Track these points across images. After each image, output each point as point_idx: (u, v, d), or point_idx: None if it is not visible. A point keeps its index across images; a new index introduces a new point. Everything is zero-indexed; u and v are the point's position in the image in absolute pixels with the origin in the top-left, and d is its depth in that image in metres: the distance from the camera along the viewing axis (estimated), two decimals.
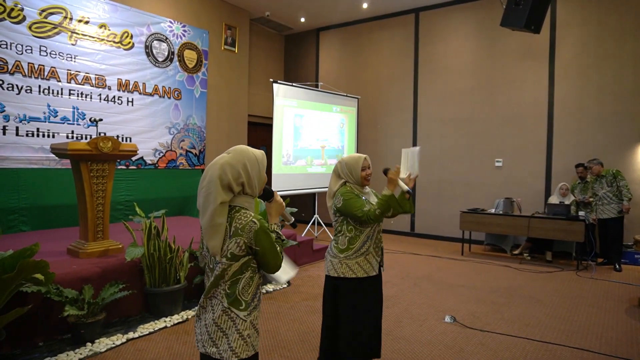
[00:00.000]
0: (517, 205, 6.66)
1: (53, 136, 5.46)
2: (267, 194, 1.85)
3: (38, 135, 5.34)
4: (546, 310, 4.27)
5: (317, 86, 8.94)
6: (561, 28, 6.90)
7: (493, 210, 6.80)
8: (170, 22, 6.84)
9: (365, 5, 8.12)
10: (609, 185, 6.03)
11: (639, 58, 6.29)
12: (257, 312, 1.74)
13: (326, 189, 8.58)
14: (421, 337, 3.56)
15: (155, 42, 6.61)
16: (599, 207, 6.12)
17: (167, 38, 6.78)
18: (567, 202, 6.37)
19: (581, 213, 6.26)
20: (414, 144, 8.33)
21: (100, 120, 4.43)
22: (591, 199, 6.22)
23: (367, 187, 2.81)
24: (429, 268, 5.92)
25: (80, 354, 3.12)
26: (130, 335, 3.45)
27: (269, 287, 4.82)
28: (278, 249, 1.73)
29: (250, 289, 1.71)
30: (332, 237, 2.83)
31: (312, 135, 7.93)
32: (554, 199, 6.61)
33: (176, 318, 3.83)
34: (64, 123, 5.56)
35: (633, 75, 6.34)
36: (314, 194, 8.46)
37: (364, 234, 2.68)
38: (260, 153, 1.79)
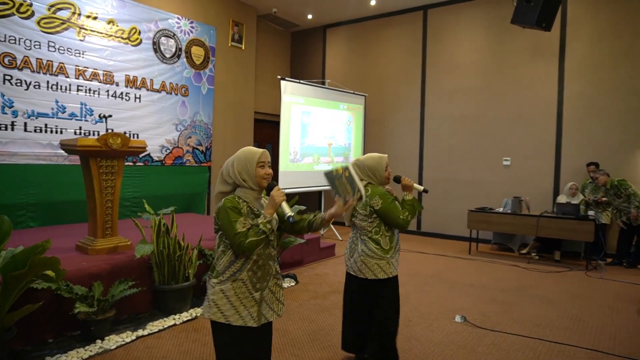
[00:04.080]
0: (526, 205, 6.61)
1: (61, 132, 5.45)
2: (268, 188, 1.99)
3: (46, 131, 5.34)
4: (557, 310, 4.23)
5: (324, 83, 8.90)
6: (572, 25, 6.83)
7: (501, 209, 6.76)
8: (178, 18, 6.82)
9: (373, 2, 8.06)
10: (618, 196, 5.95)
11: None
12: (230, 285, 1.90)
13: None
14: (432, 336, 3.53)
15: (162, 38, 6.58)
16: (626, 217, 5.98)
17: (174, 34, 6.76)
18: (575, 202, 6.32)
19: (591, 213, 6.21)
20: (422, 142, 8.29)
21: (110, 116, 4.42)
22: (604, 199, 6.16)
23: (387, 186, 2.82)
24: (436, 267, 5.88)
25: (91, 351, 3.10)
26: (140, 332, 3.44)
27: None
28: (240, 231, 1.83)
29: (222, 261, 1.94)
30: (365, 239, 2.73)
31: (319, 132, 7.90)
32: (562, 199, 6.56)
33: (185, 316, 3.81)
34: (72, 119, 5.55)
35: None
36: (320, 192, 8.44)
37: (396, 231, 2.79)
38: (252, 152, 1.97)
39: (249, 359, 1.95)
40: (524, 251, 6.73)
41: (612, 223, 6.37)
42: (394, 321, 2.81)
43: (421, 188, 2.79)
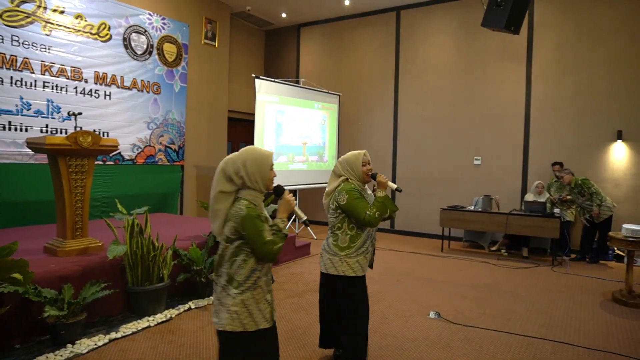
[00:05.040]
0: (496, 203, 6.80)
1: (26, 130, 5.25)
2: (277, 192, 2.04)
3: (10, 129, 5.13)
4: (525, 305, 4.38)
5: (298, 82, 8.90)
6: (539, 29, 7.07)
7: (472, 208, 6.93)
8: (150, 14, 6.67)
9: (347, 2, 8.11)
10: (582, 195, 6.18)
11: (613, 60, 6.51)
12: (250, 294, 1.93)
13: (308, 186, 8.48)
14: (407, 333, 3.59)
15: (133, 34, 6.43)
16: (589, 214, 6.21)
17: (146, 31, 6.61)
18: (541, 200, 6.55)
19: (556, 210, 6.44)
20: (395, 142, 8.40)
21: (80, 114, 4.28)
22: (569, 197, 6.39)
23: (366, 185, 2.81)
24: (410, 264, 5.98)
25: (61, 355, 3.01)
26: (113, 335, 3.35)
27: None
28: (269, 238, 1.90)
29: (243, 271, 1.92)
30: (329, 234, 2.79)
31: (293, 131, 7.89)
32: (529, 197, 6.78)
33: (160, 317, 3.74)
34: (37, 116, 5.35)
35: (607, 76, 6.55)
36: (295, 191, 8.42)
37: (365, 232, 2.70)
38: (265, 153, 1.99)
39: (265, 358, 2.02)
40: (493, 248, 6.93)
41: (576, 220, 6.64)
42: (352, 322, 2.73)
43: (394, 186, 2.80)
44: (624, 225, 4.62)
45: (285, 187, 2.13)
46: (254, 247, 1.89)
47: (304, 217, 2.07)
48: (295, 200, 2.04)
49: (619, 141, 6.46)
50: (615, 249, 6.27)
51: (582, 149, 6.73)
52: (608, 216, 6.05)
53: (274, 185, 2.03)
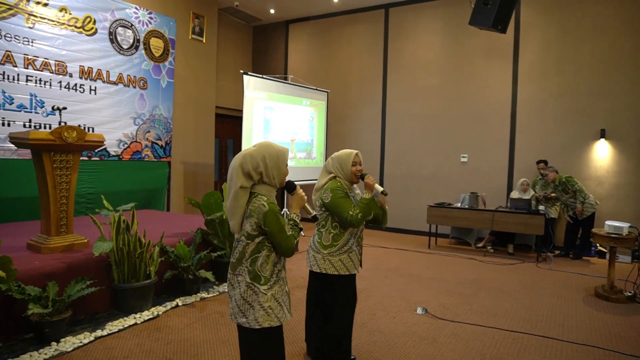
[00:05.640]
0: (482, 200, 6.88)
1: (8, 125, 5.13)
2: (290, 187, 2.10)
3: None
4: (511, 300, 4.44)
5: (286, 79, 8.87)
6: (525, 29, 7.15)
7: (459, 205, 6.99)
8: (136, 8, 6.57)
9: None
10: (566, 192, 6.29)
11: (597, 60, 6.62)
12: (277, 287, 1.99)
13: (296, 183, 8.53)
14: (395, 328, 3.62)
15: (119, 28, 6.33)
16: (572, 211, 6.33)
17: (132, 25, 6.52)
18: (526, 197, 6.64)
19: (541, 207, 6.54)
20: (383, 139, 8.43)
21: (65, 108, 4.19)
22: (553, 194, 6.49)
23: (355, 184, 2.81)
24: (398, 261, 6.02)
25: (45, 354, 2.96)
26: (99, 333, 3.32)
27: None
28: (290, 233, 1.96)
29: (268, 266, 1.96)
30: (315, 231, 2.81)
31: (281, 128, 7.87)
32: (515, 194, 6.88)
33: (146, 314, 3.71)
34: (20, 111, 5.24)
35: (590, 76, 6.66)
36: (282, 188, 8.41)
37: (349, 231, 2.70)
38: (282, 149, 2.01)
39: (282, 349, 2.10)
40: (480, 245, 7.01)
41: (560, 217, 6.75)
42: (334, 320, 2.74)
43: (380, 189, 2.79)
44: (606, 222, 4.71)
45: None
46: (276, 242, 1.93)
47: (313, 212, 2.19)
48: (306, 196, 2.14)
49: (602, 140, 6.57)
50: (598, 245, 6.39)
51: (567, 147, 6.84)
52: (591, 213, 6.16)
53: (286, 180, 2.08)
